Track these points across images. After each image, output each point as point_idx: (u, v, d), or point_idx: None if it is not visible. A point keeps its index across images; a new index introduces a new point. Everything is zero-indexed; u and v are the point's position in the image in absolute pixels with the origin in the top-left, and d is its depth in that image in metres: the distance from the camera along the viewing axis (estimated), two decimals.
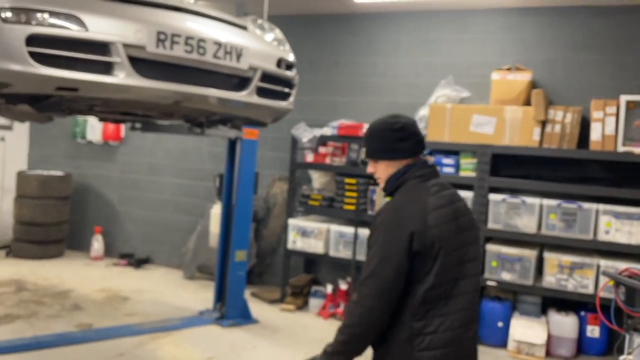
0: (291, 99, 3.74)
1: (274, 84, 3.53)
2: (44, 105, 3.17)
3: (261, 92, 3.44)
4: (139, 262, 6.72)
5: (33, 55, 2.54)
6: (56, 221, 6.77)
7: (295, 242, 5.47)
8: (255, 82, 3.36)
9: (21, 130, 7.60)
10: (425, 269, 1.81)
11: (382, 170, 2.01)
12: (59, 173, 6.95)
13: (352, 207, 5.20)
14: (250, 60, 3.26)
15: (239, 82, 3.32)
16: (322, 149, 5.54)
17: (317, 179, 5.80)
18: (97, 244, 6.91)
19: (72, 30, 2.62)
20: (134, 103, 3.51)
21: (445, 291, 1.84)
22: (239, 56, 3.17)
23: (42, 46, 2.57)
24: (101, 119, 4.96)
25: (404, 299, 1.83)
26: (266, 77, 3.44)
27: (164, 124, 4.92)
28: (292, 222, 5.52)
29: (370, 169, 2.06)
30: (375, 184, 4.74)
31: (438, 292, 1.82)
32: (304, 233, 5.43)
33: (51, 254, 6.80)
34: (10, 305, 4.88)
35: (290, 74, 3.66)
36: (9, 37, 2.50)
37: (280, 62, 3.52)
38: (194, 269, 6.36)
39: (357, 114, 5.79)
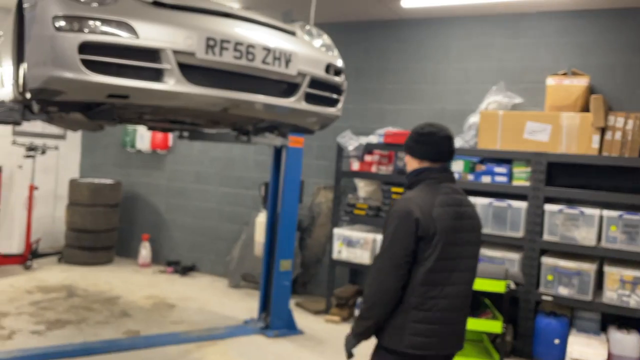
0: (339, 105, 3.66)
1: (323, 90, 3.46)
2: (95, 113, 3.20)
3: (309, 98, 3.37)
4: (184, 270, 6.77)
5: (85, 62, 2.56)
6: (106, 228, 6.91)
7: (340, 252, 5.38)
8: (304, 88, 3.30)
9: (74, 140, 7.82)
10: (425, 254, 2.12)
11: (407, 164, 2.35)
12: (109, 181, 7.10)
13: None
14: (299, 66, 3.21)
15: (287, 88, 3.26)
16: (368, 157, 5.45)
17: (363, 188, 5.70)
18: (145, 251, 7.01)
19: (123, 37, 2.62)
20: (182, 111, 3.50)
21: (442, 278, 2.15)
22: (287, 62, 3.12)
23: (94, 54, 2.58)
24: (150, 128, 5.01)
25: (410, 278, 2.14)
26: (315, 83, 3.37)
27: (211, 133, 4.94)
28: (337, 231, 5.43)
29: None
30: None
31: (435, 278, 2.13)
32: (350, 243, 5.33)
33: (101, 261, 6.94)
34: (61, 311, 4.97)
35: (338, 79, 3.58)
36: (62, 45, 2.52)
37: (328, 68, 3.45)
38: (239, 277, 6.35)
39: (404, 121, 5.68)
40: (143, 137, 7.20)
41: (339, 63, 3.60)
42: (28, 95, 2.81)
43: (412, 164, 2.31)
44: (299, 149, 4.82)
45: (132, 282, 6.20)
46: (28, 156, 6.51)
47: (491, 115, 4.86)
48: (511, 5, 5.05)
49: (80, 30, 2.54)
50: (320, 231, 6.16)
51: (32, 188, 6.60)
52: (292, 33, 3.39)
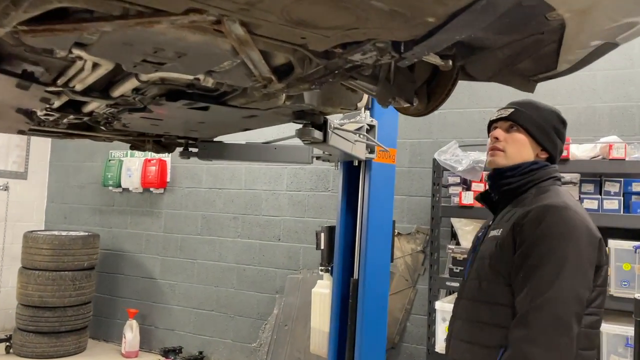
0: None
1: None
2: None
3: None
4: None
5: None
6: (75, 303, 4.78)
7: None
8: None
9: (38, 179, 5.80)
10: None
11: (515, 146, 1.75)
12: (80, 234, 5.02)
13: None
14: None
15: None
16: (476, 185, 3.40)
17: (468, 233, 3.63)
18: (131, 334, 4.84)
19: None
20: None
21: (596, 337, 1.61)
22: None
23: None
24: (133, 146, 3.05)
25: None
26: None
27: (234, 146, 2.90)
28: (440, 306, 3.31)
29: None
30: None
31: (593, 336, 1.57)
32: None
33: (68, 350, 4.78)
34: None
35: None
36: None
37: None
38: None
39: None
40: (131, 172, 5.18)
41: None
42: None
43: (526, 150, 1.72)
44: (390, 167, 2.78)
45: None
46: None
47: None
48: None
49: None
50: (393, 302, 4.03)
51: None
52: None
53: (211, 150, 2.89)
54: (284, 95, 1.68)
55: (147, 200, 5.23)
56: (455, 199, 3.41)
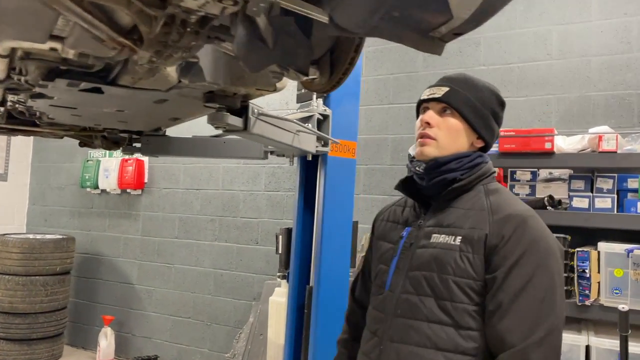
0: None
1: None
2: None
3: None
4: None
5: None
6: (47, 309, 4.58)
7: None
8: None
9: (18, 179, 5.63)
10: None
11: (450, 133, 1.50)
12: (53, 237, 4.82)
13: None
14: None
15: None
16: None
17: None
18: (105, 342, 4.62)
19: None
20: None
21: None
22: None
23: None
24: (83, 144, 2.85)
25: None
26: None
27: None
28: None
29: None
30: None
31: None
32: None
33: (39, 357, 4.58)
34: None
35: None
36: None
37: None
38: None
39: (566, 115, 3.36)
40: (108, 172, 4.98)
41: None
42: None
43: (461, 139, 1.47)
44: (349, 161, 2.51)
45: None
46: None
47: None
48: None
49: None
50: None
51: None
52: None
53: (155, 144, 2.64)
54: (174, 71, 1.43)
55: (125, 202, 5.01)
56: None
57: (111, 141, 2.89)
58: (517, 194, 2.94)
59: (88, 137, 2.83)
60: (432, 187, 1.48)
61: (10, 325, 4.48)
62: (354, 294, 1.73)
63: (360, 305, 1.68)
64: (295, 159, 2.61)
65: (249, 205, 4.37)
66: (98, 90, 1.63)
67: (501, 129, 1.64)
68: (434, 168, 1.46)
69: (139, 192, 4.91)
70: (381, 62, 3.92)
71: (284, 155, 2.63)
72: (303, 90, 2.60)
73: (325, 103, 2.44)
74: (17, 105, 1.97)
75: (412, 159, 1.54)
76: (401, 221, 1.57)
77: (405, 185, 1.55)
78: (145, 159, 4.87)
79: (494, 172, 1.55)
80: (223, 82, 1.54)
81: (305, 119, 2.33)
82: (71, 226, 5.33)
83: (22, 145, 5.64)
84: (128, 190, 4.93)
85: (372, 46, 3.92)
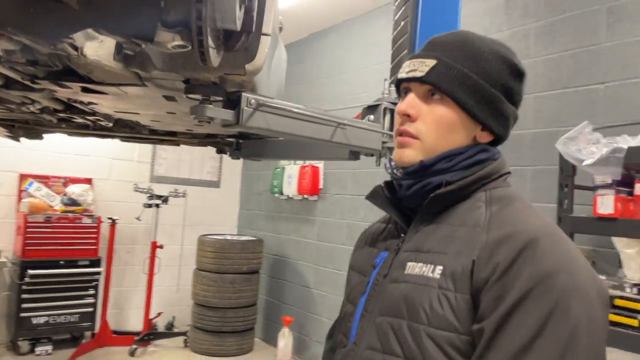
0: None
1: None
2: None
3: None
4: None
5: None
6: (234, 305, 4.96)
7: None
8: None
9: (231, 187, 6.28)
10: None
11: (442, 122, 1.04)
12: (243, 238, 5.21)
13: None
14: None
15: None
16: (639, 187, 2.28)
17: (635, 259, 2.48)
18: (282, 343, 4.79)
19: None
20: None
21: None
22: None
23: None
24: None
25: None
26: None
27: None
28: None
29: None
30: None
31: None
32: None
33: (229, 350, 4.98)
34: None
35: None
36: None
37: None
38: None
39: None
40: (291, 179, 5.18)
41: None
42: None
43: (456, 134, 1.02)
44: None
45: None
46: (148, 205, 5.08)
47: None
48: None
49: None
50: None
51: (155, 246, 5.11)
52: None
53: (253, 148, 2.61)
54: (113, 61, 1.33)
55: (304, 207, 5.14)
56: (596, 208, 2.36)
57: (223, 145, 2.95)
58: None
59: (215, 143, 2.94)
60: (412, 197, 1.05)
61: (204, 317, 4.97)
62: (330, 339, 1.30)
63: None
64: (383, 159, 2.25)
65: None
66: (93, 90, 1.63)
67: None
68: (417, 173, 1.03)
69: (315, 197, 4.98)
70: (553, 37, 3.20)
71: (372, 155, 2.30)
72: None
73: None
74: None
75: (390, 158, 1.12)
76: (379, 244, 1.15)
77: (383, 194, 1.11)
78: (321, 165, 4.91)
79: (506, 173, 1.05)
80: (183, 69, 1.38)
81: (371, 109, 1.97)
82: (266, 229, 5.70)
83: None
84: (306, 196, 5.04)
85: (543, 19, 3.22)
